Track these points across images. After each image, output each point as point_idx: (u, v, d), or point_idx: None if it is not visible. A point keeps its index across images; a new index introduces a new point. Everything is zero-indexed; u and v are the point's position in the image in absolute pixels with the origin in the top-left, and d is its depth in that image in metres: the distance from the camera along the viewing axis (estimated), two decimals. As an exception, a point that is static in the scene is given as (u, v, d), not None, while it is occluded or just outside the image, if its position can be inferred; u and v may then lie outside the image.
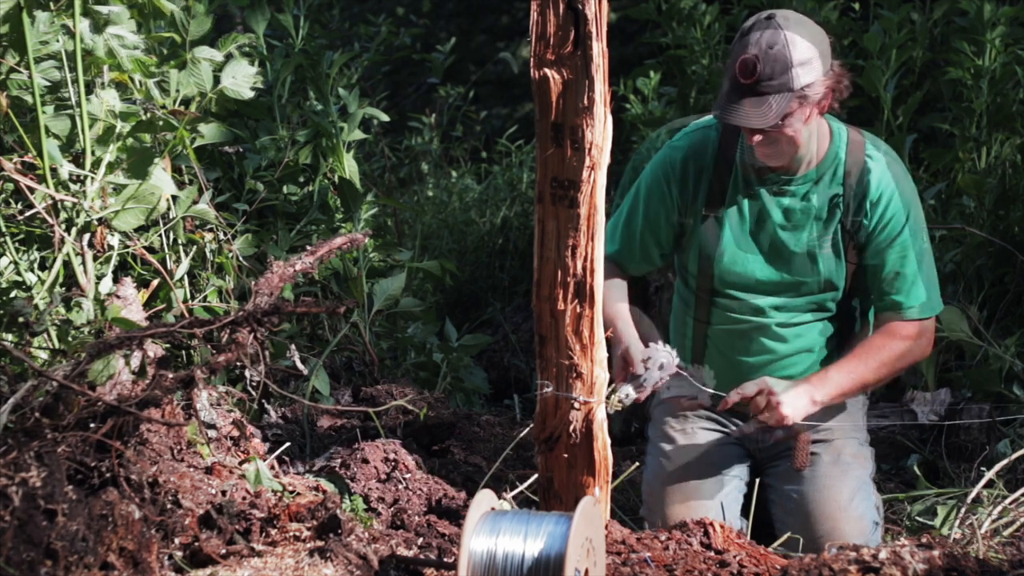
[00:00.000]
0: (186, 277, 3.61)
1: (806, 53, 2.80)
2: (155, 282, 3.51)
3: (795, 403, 2.96)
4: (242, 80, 3.60)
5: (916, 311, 3.03)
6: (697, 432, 3.18)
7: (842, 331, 3.14)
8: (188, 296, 3.60)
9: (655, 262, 3.21)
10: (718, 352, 3.16)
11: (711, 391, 3.07)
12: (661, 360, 2.88)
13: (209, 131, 3.77)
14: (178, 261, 3.60)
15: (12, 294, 3.13)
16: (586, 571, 2.22)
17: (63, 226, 3.19)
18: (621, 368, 2.92)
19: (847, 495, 3.04)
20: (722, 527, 2.71)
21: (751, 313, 3.11)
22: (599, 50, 2.40)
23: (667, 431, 3.21)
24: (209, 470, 2.71)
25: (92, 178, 3.24)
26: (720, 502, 3.09)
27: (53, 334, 2.95)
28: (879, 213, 2.99)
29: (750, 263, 3.08)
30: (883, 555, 2.26)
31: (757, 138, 2.87)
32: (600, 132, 2.44)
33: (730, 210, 3.07)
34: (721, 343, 3.16)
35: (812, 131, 2.94)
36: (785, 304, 3.10)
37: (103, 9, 3.27)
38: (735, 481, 3.16)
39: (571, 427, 2.62)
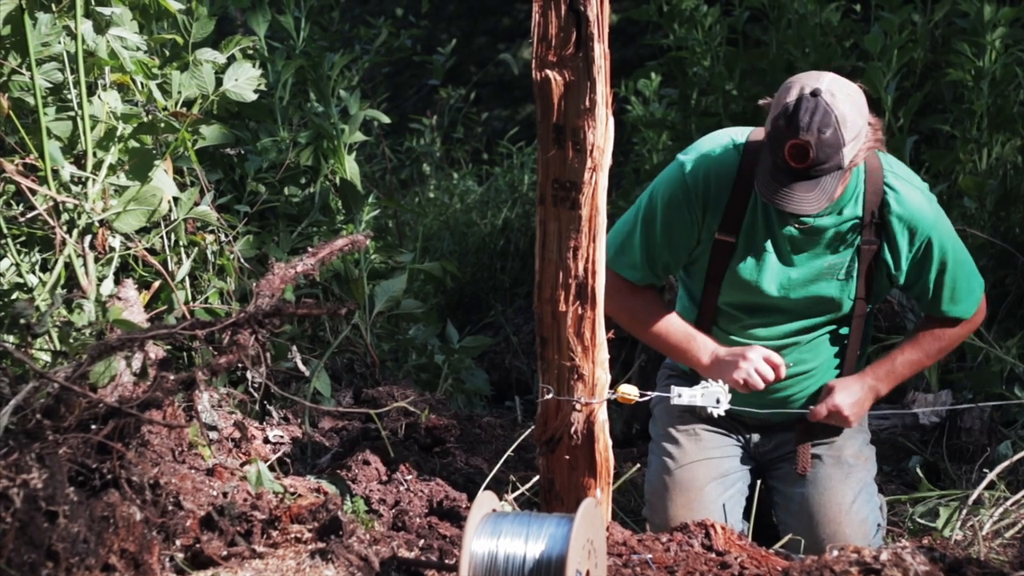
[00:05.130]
0: (187, 279, 3.61)
1: (854, 130, 2.75)
2: (156, 284, 3.51)
3: (861, 411, 3.07)
4: (245, 83, 3.60)
5: (970, 311, 3.08)
6: (701, 434, 3.18)
7: (845, 353, 3.12)
8: (189, 298, 3.60)
9: (673, 273, 3.20)
10: None
11: (724, 409, 3.02)
12: (718, 395, 2.84)
13: (210, 133, 3.77)
14: (179, 263, 3.59)
15: (14, 296, 3.14)
16: (587, 572, 2.22)
17: (64, 228, 3.19)
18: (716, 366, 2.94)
19: (850, 497, 3.04)
20: (723, 529, 2.71)
21: (752, 339, 3.07)
22: (601, 52, 2.40)
23: (671, 432, 3.20)
24: (210, 472, 2.71)
25: (93, 180, 3.24)
26: (723, 504, 3.09)
27: (54, 336, 2.95)
28: (906, 237, 2.95)
29: (758, 291, 3.03)
30: (884, 556, 2.26)
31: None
32: (602, 134, 2.44)
33: (743, 237, 2.99)
34: None
35: None
36: (787, 331, 3.07)
37: (105, 11, 3.27)
38: (738, 484, 3.15)
39: (572, 429, 2.62)
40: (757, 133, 2.96)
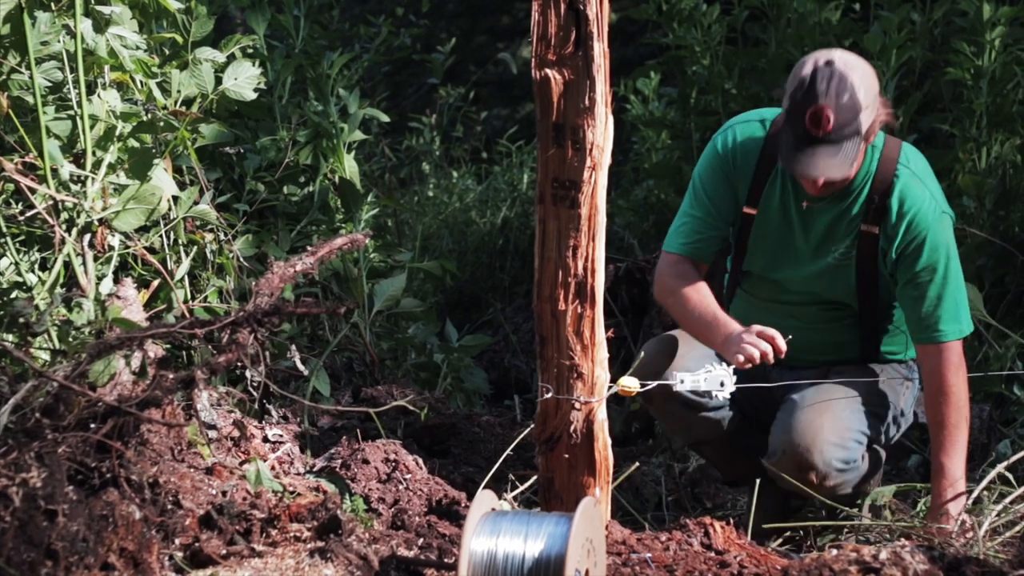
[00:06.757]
0: (187, 277, 3.61)
1: (869, 97, 2.83)
2: (155, 282, 3.51)
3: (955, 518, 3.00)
4: (244, 82, 3.60)
5: (951, 334, 3.01)
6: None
7: (863, 335, 3.17)
8: (188, 296, 3.60)
9: (718, 248, 3.23)
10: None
11: (729, 392, 2.98)
12: (722, 378, 2.84)
13: (210, 132, 3.77)
14: (179, 261, 3.59)
15: (13, 295, 3.13)
16: (587, 572, 2.22)
17: (64, 226, 3.19)
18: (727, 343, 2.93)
19: (843, 404, 3.04)
20: (723, 528, 2.71)
21: (768, 307, 3.15)
22: (600, 50, 2.40)
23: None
24: (210, 471, 2.71)
25: (93, 178, 3.24)
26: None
27: (54, 335, 2.95)
28: (901, 226, 2.97)
29: (768, 264, 3.14)
30: (883, 555, 2.26)
31: (821, 181, 2.90)
32: (601, 132, 2.44)
33: (762, 210, 3.09)
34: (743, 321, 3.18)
35: None
36: (800, 312, 3.13)
37: (105, 9, 3.27)
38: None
39: (572, 428, 2.62)
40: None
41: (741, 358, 2.89)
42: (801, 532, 3.16)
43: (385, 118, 4.69)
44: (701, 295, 3.10)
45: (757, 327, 2.94)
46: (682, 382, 2.81)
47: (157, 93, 3.53)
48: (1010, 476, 3.14)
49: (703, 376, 2.82)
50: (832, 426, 3.00)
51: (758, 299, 3.21)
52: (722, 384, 2.82)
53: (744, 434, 3.27)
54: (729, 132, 3.13)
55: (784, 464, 3.02)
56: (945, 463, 3.03)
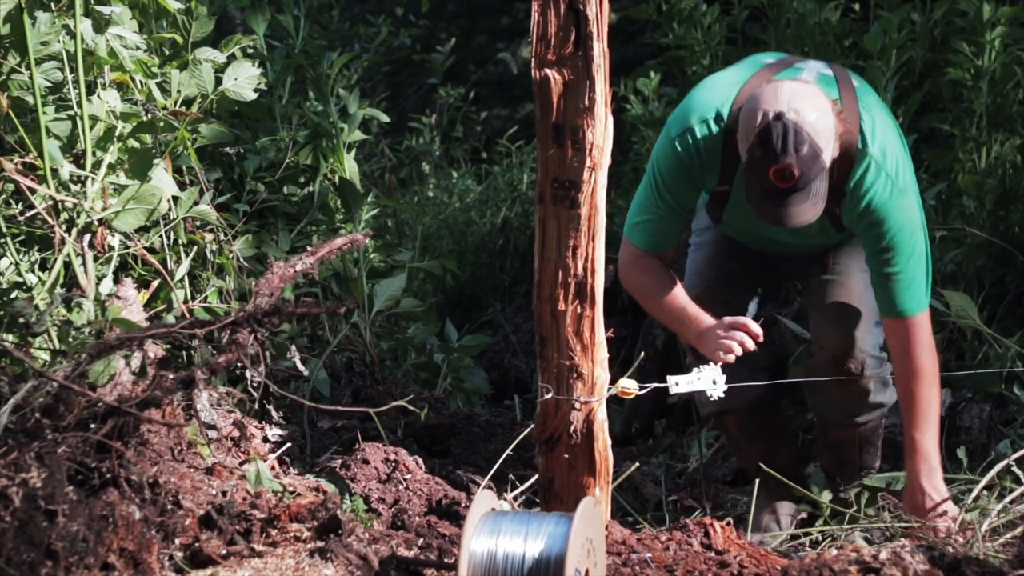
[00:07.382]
0: (186, 278, 3.61)
1: (825, 135, 2.82)
2: (155, 283, 3.51)
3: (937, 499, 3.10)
4: (244, 82, 3.60)
5: (914, 308, 3.06)
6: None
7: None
8: (188, 297, 3.60)
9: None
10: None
11: (722, 391, 3.03)
12: (714, 377, 2.89)
13: (209, 132, 3.77)
14: (178, 262, 3.60)
15: (13, 295, 3.14)
16: (587, 572, 2.22)
17: (64, 227, 3.19)
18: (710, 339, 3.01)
19: (860, 294, 3.23)
20: (723, 528, 2.71)
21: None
22: (600, 50, 2.41)
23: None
24: (209, 471, 2.71)
25: (93, 179, 3.24)
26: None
27: (54, 335, 2.95)
28: (857, 209, 3.00)
29: (747, 229, 3.25)
30: (883, 556, 2.26)
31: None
32: (601, 132, 2.44)
33: (735, 190, 3.11)
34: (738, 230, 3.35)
35: None
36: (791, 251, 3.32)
37: (105, 9, 3.27)
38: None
39: (572, 428, 2.62)
40: (744, 95, 2.99)
41: (722, 354, 2.97)
42: (801, 532, 3.17)
43: (385, 118, 4.69)
44: (670, 290, 3.18)
45: (728, 319, 3.03)
46: (677, 384, 2.85)
47: (157, 93, 3.53)
48: (1020, 473, 3.14)
49: (696, 377, 2.89)
50: (859, 316, 3.19)
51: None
52: (715, 382, 2.89)
53: (769, 408, 3.39)
54: (688, 136, 3.05)
55: (824, 358, 3.20)
56: (917, 438, 3.10)
